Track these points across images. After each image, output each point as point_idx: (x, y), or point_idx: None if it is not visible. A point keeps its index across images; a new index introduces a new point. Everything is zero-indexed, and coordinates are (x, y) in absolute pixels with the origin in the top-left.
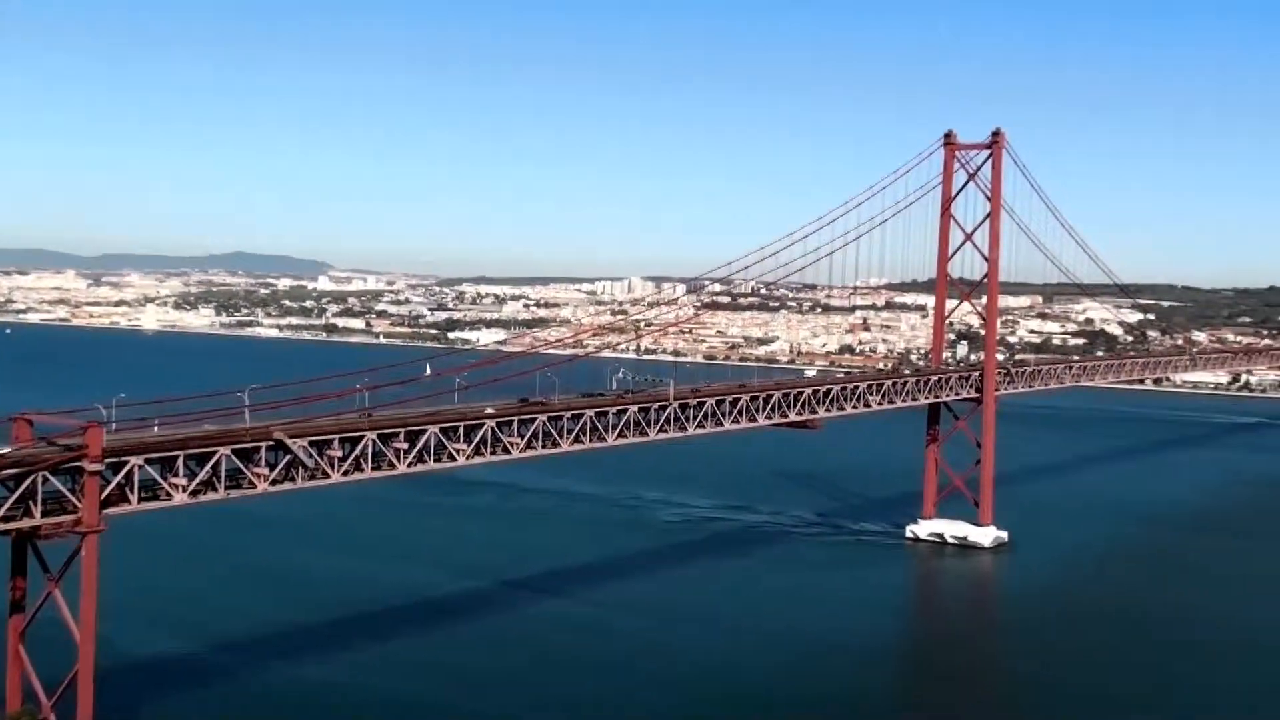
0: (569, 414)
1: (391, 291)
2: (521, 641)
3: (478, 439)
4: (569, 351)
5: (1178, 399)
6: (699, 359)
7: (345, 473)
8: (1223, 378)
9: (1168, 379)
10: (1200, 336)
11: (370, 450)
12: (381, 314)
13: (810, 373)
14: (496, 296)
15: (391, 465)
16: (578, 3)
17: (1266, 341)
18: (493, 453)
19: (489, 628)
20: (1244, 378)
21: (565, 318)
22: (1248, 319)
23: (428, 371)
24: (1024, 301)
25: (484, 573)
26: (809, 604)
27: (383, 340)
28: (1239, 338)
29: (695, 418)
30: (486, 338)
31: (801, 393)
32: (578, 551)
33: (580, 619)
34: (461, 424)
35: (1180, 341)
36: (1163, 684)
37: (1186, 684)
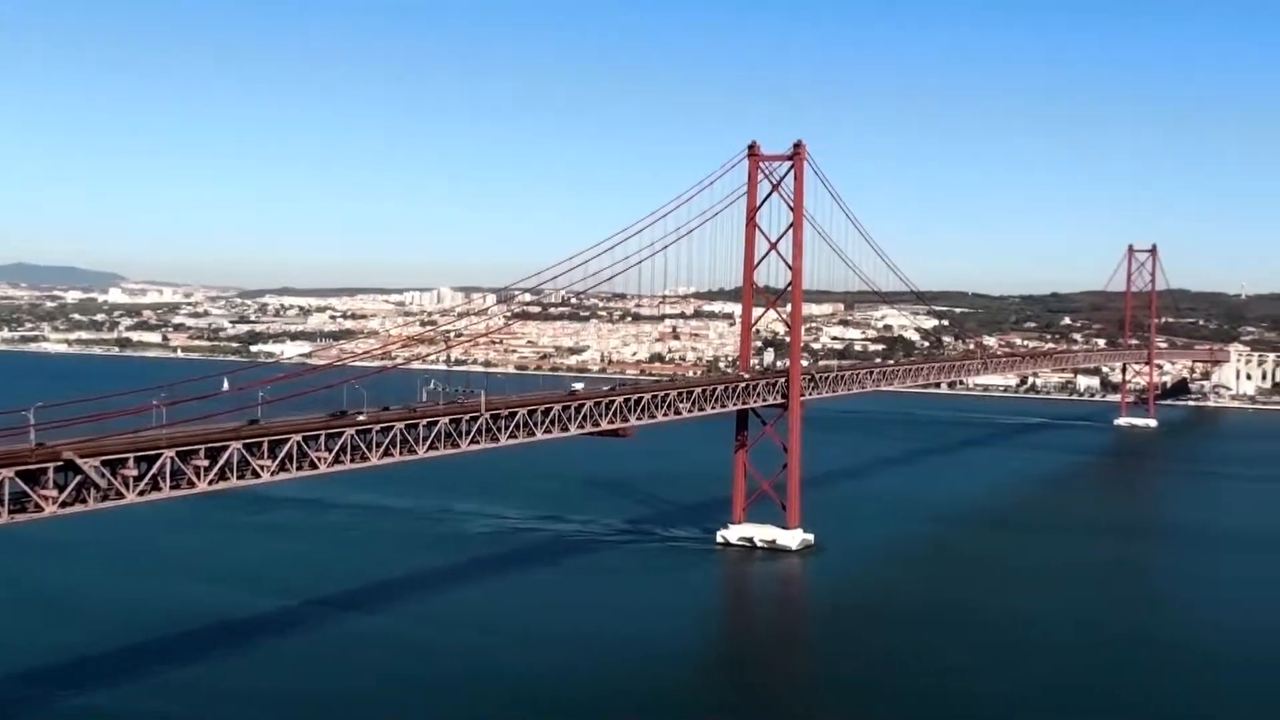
0: (378, 427)
1: (189, 304)
2: (329, 660)
3: (283, 454)
4: (377, 363)
5: (971, 401)
6: (510, 369)
7: (141, 492)
8: (1011, 380)
9: (961, 382)
10: (991, 341)
11: (168, 468)
12: (179, 327)
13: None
14: (301, 308)
15: (191, 483)
16: (382, 3)
17: (1050, 345)
18: (299, 468)
19: (295, 647)
20: (1030, 380)
21: (373, 329)
22: (1033, 324)
23: (225, 386)
24: (827, 309)
25: (290, 591)
26: (619, 610)
27: (181, 354)
28: (1025, 342)
29: (507, 428)
30: (291, 350)
31: (613, 401)
32: (387, 566)
33: (390, 634)
34: (266, 439)
35: (972, 346)
36: (957, 678)
37: (979, 677)
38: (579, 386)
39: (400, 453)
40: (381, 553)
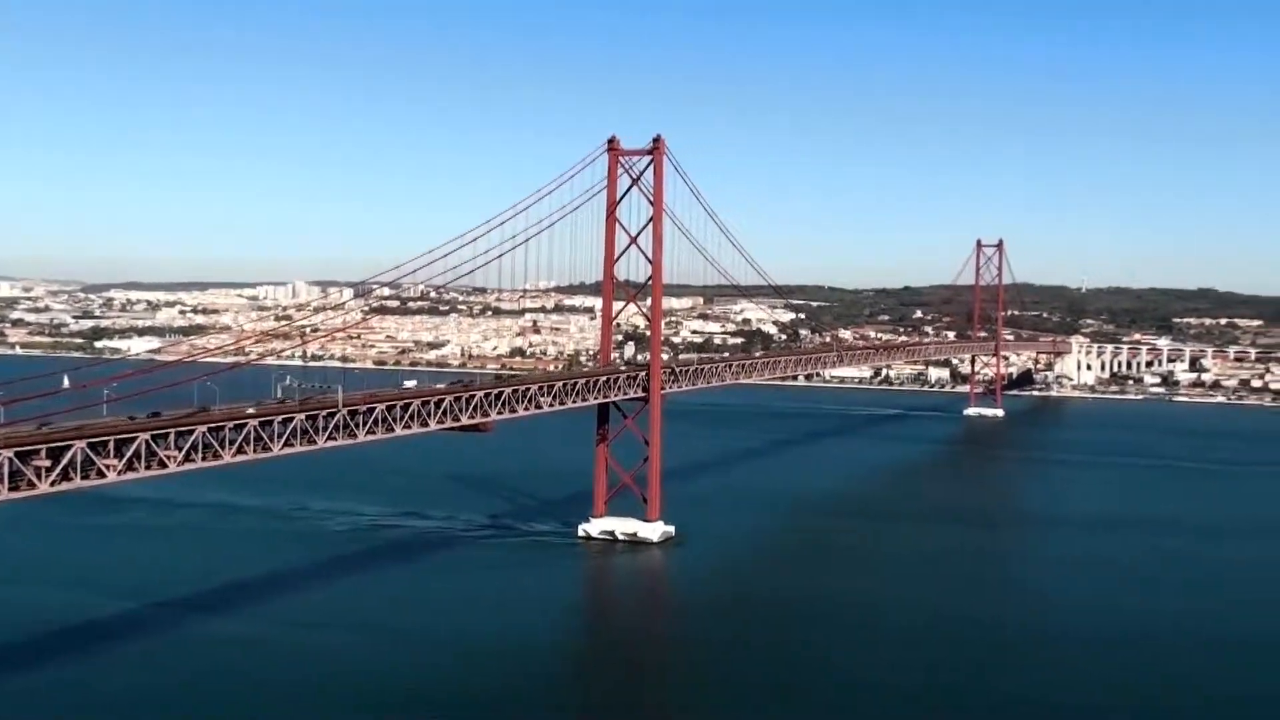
0: (231, 424)
1: (29, 298)
2: (177, 663)
3: (130, 453)
4: (230, 359)
5: (827, 393)
6: (369, 365)
7: None
8: (866, 372)
9: (818, 374)
10: (846, 334)
11: (6, 470)
12: (17, 323)
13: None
14: (149, 303)
15: (32, 484)
16: None
17: (903, 338)
18: (148, 467)
19: (141, 651)
20: (884, 372)
21: (225, 324)
22: (886, 317)
23: (65, 384)
24: (686, 303)
25: (136, 593)
26: (479, 606)
27: (19, 351)
28: (879, 335)
29: (365, 424)
30: (138, 346)
31: (474, 396)
32: (240, 566)
33: (243, 636)
34: (111, 438)
35: (828, 339)
36: (818, 666)
37: (839, 664)
38: (411, 384)
39: (255, 450)
40: (235, 552)
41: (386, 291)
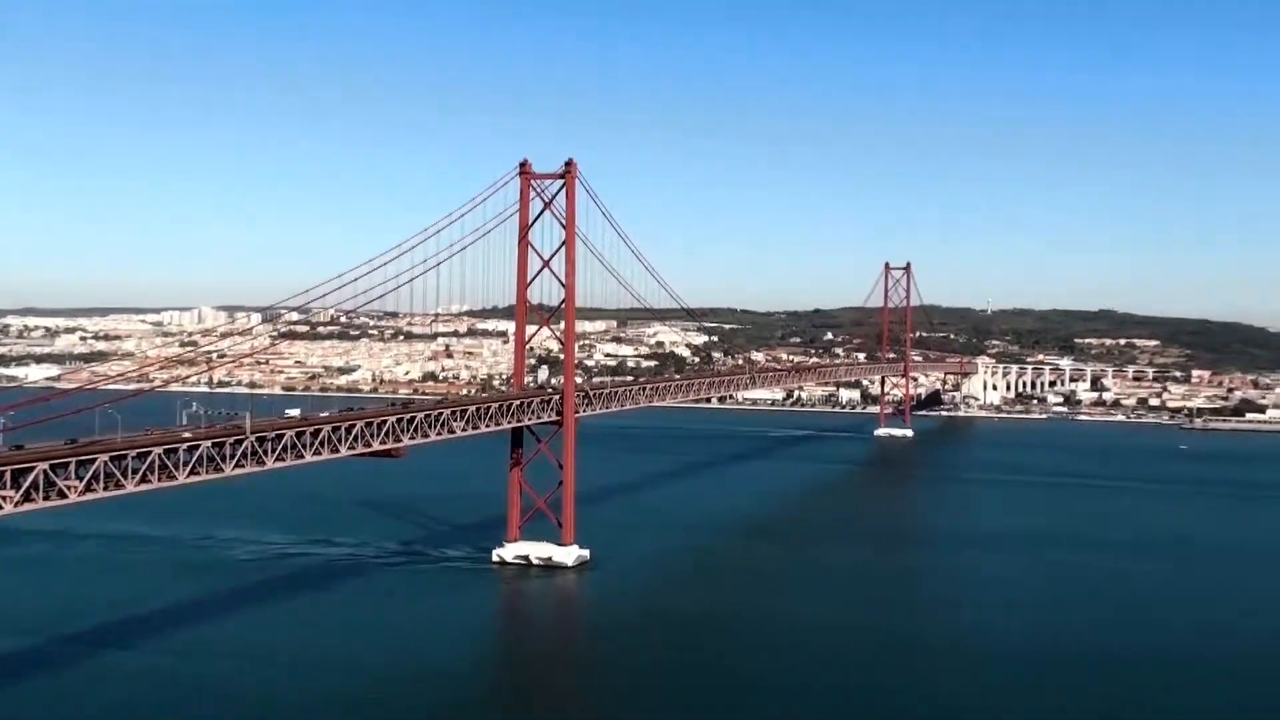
0: (134, 452)
1: None
2: (83, 697)
3: (27, 484)
4: (133, 386)
5: (740, 415)
6: (277, 390)
7: None
8: (778, 394)
9: (731, 396)
10: (758, 356)
11: None
12: None
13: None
14: (47, 329)
15: None
16: (123, 5)
17: (814, 360)
18: (46, 498)
19: (38, 687)
20: (796, 393)
21: (128, 350)
22: (798, 339)
23: None
24: (600, 326)
25: (38, 628)
26: (390, 634)
27: None
28: (791, 357)
29: (274, 451)
30: (36, 374)
31: (385, 421)
32: (143, 598)
33: (146, 668)
34: (8, 469)
35: (741, 361)
36: (734, 686)
37: (754, 684)
38: (294, 413)
39: (159, 479)
40: (138, 584)
41: (295, 316)
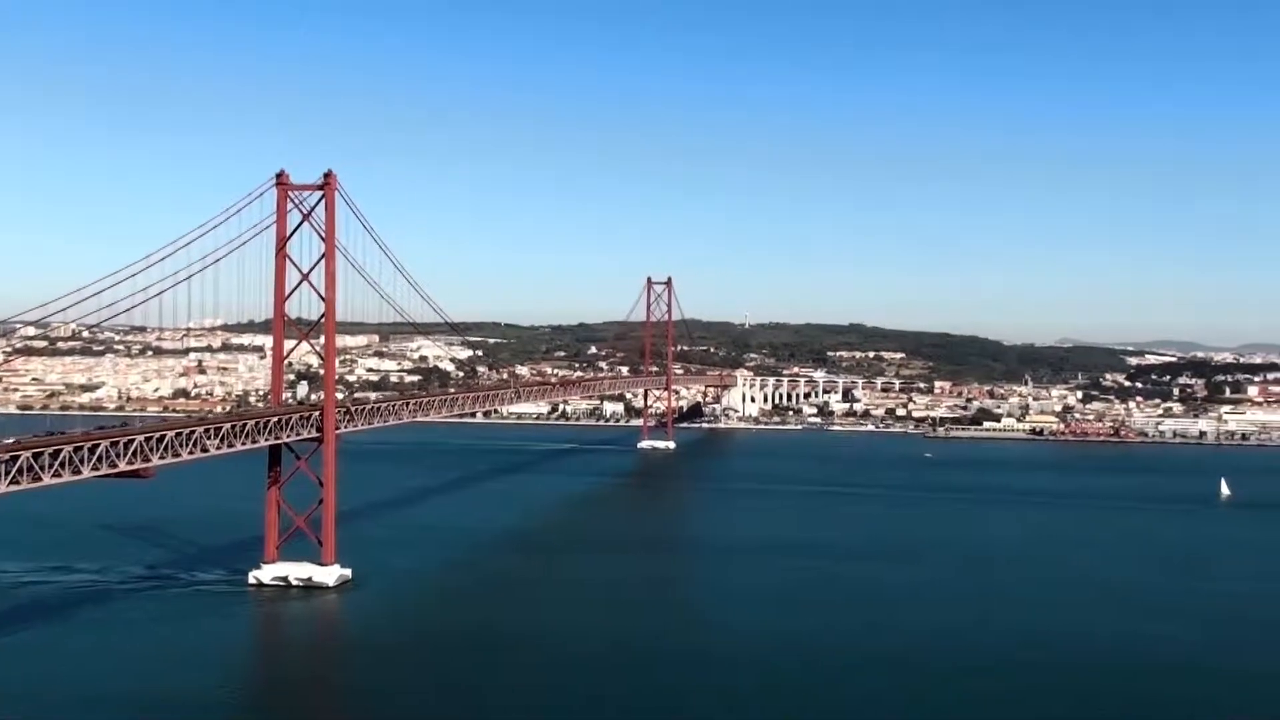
0: None
1: None
2: None
3: None
4: None
5: (505, 429)
6: (12, 410)
7: None
8: (543, 408)
9: (496, 411)
10: (523, 370)
11: None
12: None
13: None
14: None
15: None
16: None
17: (579, 374)
18: None
19: None
20: (561, 407)
21: None
22: (562, 353)
23: None
24: (362, 340)
25: None
26: (132, 663)
27: None
28: (556, 370)
29: (9, 472)
30: None
31: (133, 440)
32: None
33: None
34: None
35: (506, 376)
36: (499, 703)
37: (519, 698)
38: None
39: None
40: None
41: (32, 331)
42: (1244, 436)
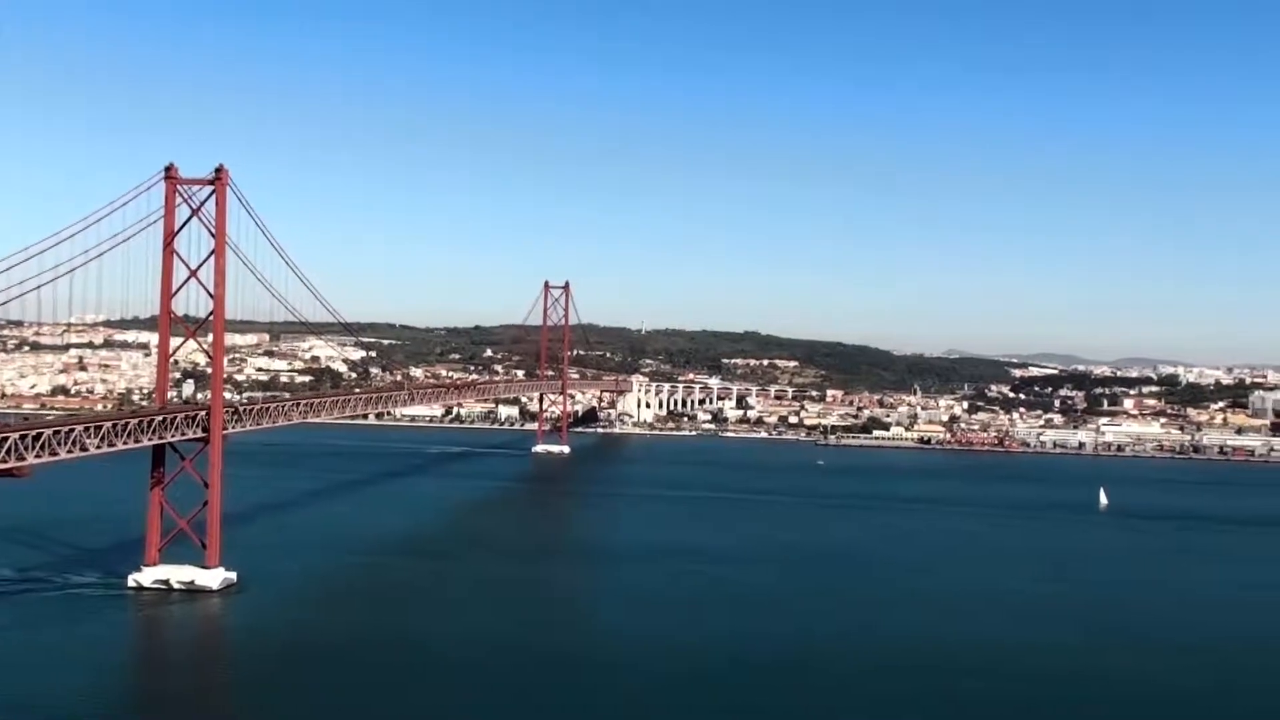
0: None
1: None
2: None
3: None
4: None
5: (399, 431)
6: None
7: None
8: (438, 410)
9: (389, 413)
10: (418, 373)
11: None
12: None
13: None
14: None
15: None
16: None
17: (474, 377)
18: None
19: None
20: (455, 410)
21: None
22: (457, 356)
23: None
24: (252, 339)
25: None
26: None
27: None
28: (451, 373)
29: None
30: None
31: (6, 437)
32: None
33: None
34: None
35: (400, 377)
36: (378, 705)
37: (401, 704)
38: None
39: None
40: None
41: None
42: (1120, 448)
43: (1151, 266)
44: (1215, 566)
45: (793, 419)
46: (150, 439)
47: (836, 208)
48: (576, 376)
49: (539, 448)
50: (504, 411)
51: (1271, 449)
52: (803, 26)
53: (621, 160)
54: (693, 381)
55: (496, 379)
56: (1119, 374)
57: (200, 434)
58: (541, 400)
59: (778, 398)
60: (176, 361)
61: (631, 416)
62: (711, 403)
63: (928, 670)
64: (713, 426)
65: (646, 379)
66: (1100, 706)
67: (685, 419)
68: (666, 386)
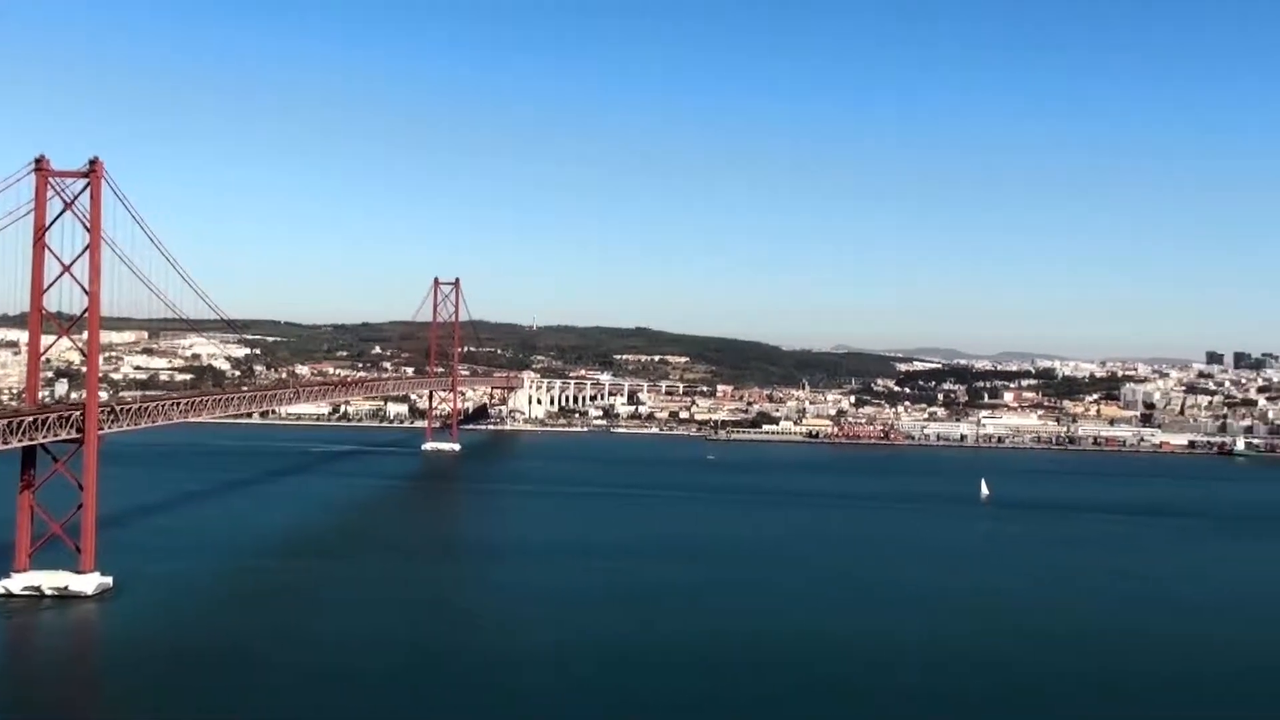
0: None
1: None
2: None
3: None
4: None
5: (284, 430)
6: None
7: None
8: (324, 409)
9: (274, 411)
10: (303, 370)
11: None
12: None
13: None
14: None
15: None
16: None
17: (362, 374)
18: None
19: None
20: (343, 408)
21: None
22: (345, 353)
23: None
24: (129, 337)
25: None
26: None
27: None
28: (338, 370)
29: None
30: None
31: None
32: None
33: None
34: None
35: (285, 375)
36: (260, 711)
37: (291, 707)
38: None
39: None
40: None
41: None
42: (1000, 439)
43: (1029, 265)
44: (1090, 552)
45: (684, 414)
46: (20, 440)
47: (725, 204)
48: (467, 373)
49: (429, 445)
50: (393, 409)
51: (1141, 439)
52: (719, 20)
53: (510, 155)
54: (584, 378)
55: (385, 376)
56: (999, 368)
57: (74, 435)
58: (431, 398)
59: (668, 393)
60: (49, 360)
61: (523, 413)
62: (603, 399)
63: (798, 664)
64: (604, 423)
65: (538, 375)
66: (975, 692)
67: (577, 415)
68: (558, 383)
